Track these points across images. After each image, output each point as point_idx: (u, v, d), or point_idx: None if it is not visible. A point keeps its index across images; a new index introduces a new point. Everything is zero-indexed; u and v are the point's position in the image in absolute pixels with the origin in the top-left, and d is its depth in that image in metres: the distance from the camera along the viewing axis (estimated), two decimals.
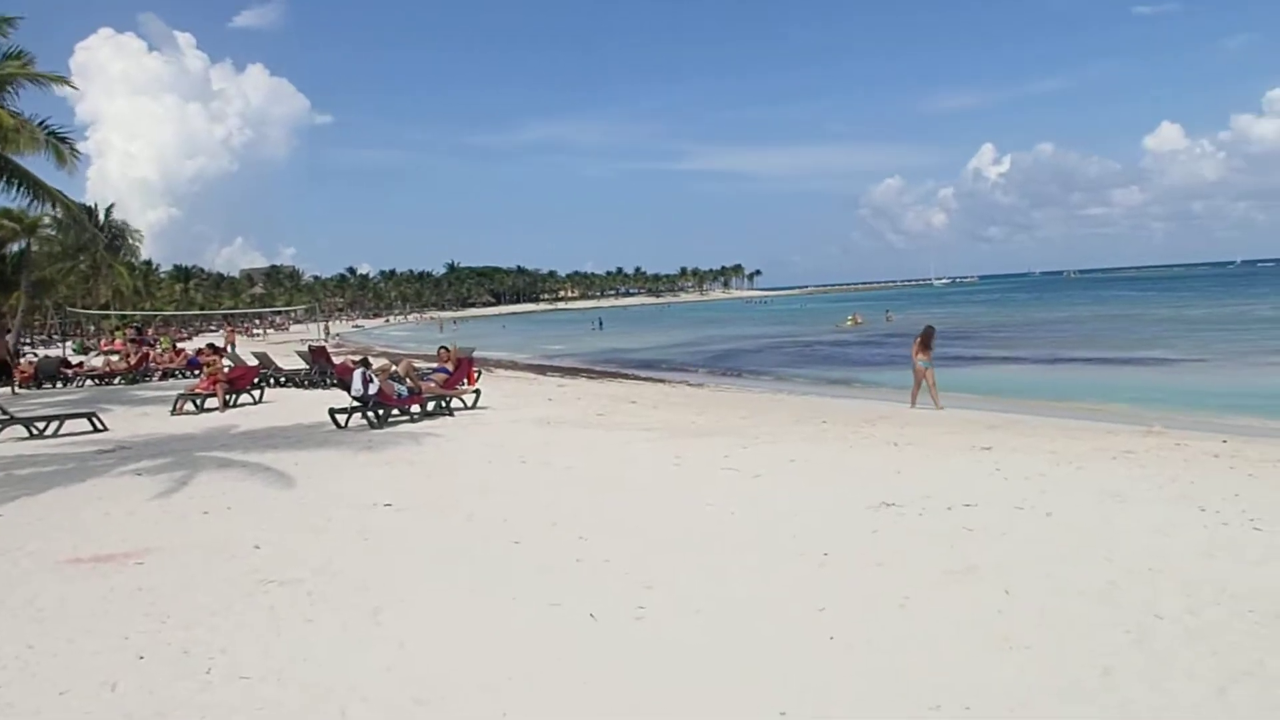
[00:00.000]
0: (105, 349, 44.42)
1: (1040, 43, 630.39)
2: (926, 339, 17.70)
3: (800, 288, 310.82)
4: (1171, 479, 8.62)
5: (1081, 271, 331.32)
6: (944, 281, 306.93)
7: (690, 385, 26.59)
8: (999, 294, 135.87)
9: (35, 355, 36.30)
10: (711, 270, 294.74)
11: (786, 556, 6.48)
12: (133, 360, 29.30)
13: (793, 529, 7.24)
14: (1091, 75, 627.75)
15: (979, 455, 10.49)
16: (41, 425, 15.14)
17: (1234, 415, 15.69)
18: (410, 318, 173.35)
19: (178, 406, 18.14)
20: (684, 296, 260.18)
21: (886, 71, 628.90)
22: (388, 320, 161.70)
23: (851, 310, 72.18)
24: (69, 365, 30.34)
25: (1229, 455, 10.26)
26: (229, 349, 31.28)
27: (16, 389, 25.06)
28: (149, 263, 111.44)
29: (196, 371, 24.07)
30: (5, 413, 15.44)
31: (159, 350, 33.07)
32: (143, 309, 77.34)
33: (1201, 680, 4.21)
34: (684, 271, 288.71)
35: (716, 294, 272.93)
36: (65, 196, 27.42)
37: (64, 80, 25.13)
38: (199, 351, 24.49)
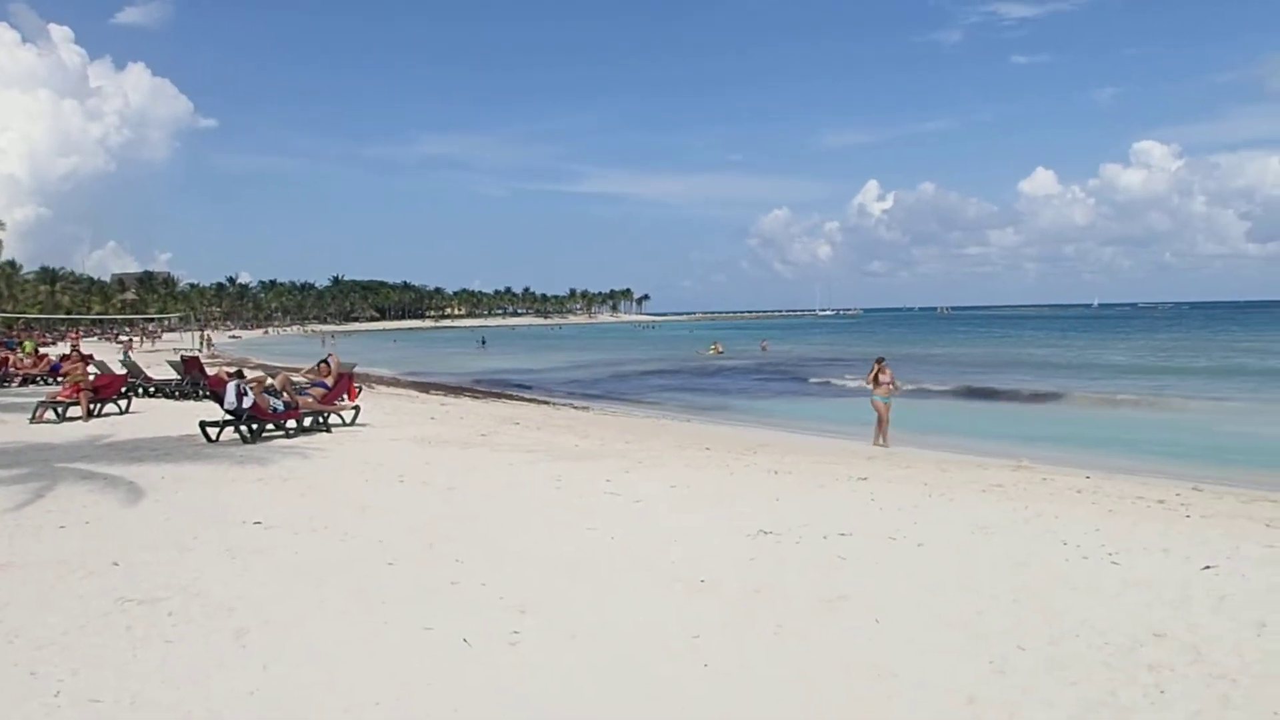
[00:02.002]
0: None
1: (925, 85, 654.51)
2: (878, 371, 17.32)
3: (688, 314, 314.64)
4: (1037, 513, 8.97)
5: (954, 308, 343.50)
6: (828, 313, 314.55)
7: (575, 408, 26.57)
8: (875, 327, 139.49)
9: None
10: (601, 293, 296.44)
11: (664, 582, 6.50)
12: None
13: (672, 555, 7.27)
14: (972, 119, 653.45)
15: (856, 485, 10.74)
16: None
17: (1096, 453, 16.42)
18: (292, 329, 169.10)
19: (37, 414, 17.25)
20: (572, 319, 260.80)
21: (779, 105, 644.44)
22: (266, 332, 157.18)
23: (715, 339, 74.12)
24: None
25: (1091, 491, 10.74)
26: (124, 355, 30.04)
27: None
28: (12, 263, 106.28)
29: (59, 378, 22.93)
30: None
31: (20, 355, 31.40)
32: (3, 310, 73.46)
33: (1059, 710, 4.37)
34: (573, 293, 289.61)
35: (605, 317, 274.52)
36: None
37: None
38: (63, 357, 23.36)
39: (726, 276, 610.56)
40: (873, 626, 5.50)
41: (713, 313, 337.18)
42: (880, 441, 16.98)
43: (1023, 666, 4.88)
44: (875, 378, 17.30)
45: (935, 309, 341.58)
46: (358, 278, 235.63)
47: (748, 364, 50.41)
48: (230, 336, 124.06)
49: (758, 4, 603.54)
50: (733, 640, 5.29)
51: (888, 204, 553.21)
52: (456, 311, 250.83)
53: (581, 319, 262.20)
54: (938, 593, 6.19)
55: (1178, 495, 10.61)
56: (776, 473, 11.84)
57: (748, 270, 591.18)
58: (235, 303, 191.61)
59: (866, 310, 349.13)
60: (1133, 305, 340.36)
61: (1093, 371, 40.34)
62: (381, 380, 34.92)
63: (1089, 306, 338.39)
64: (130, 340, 64.06)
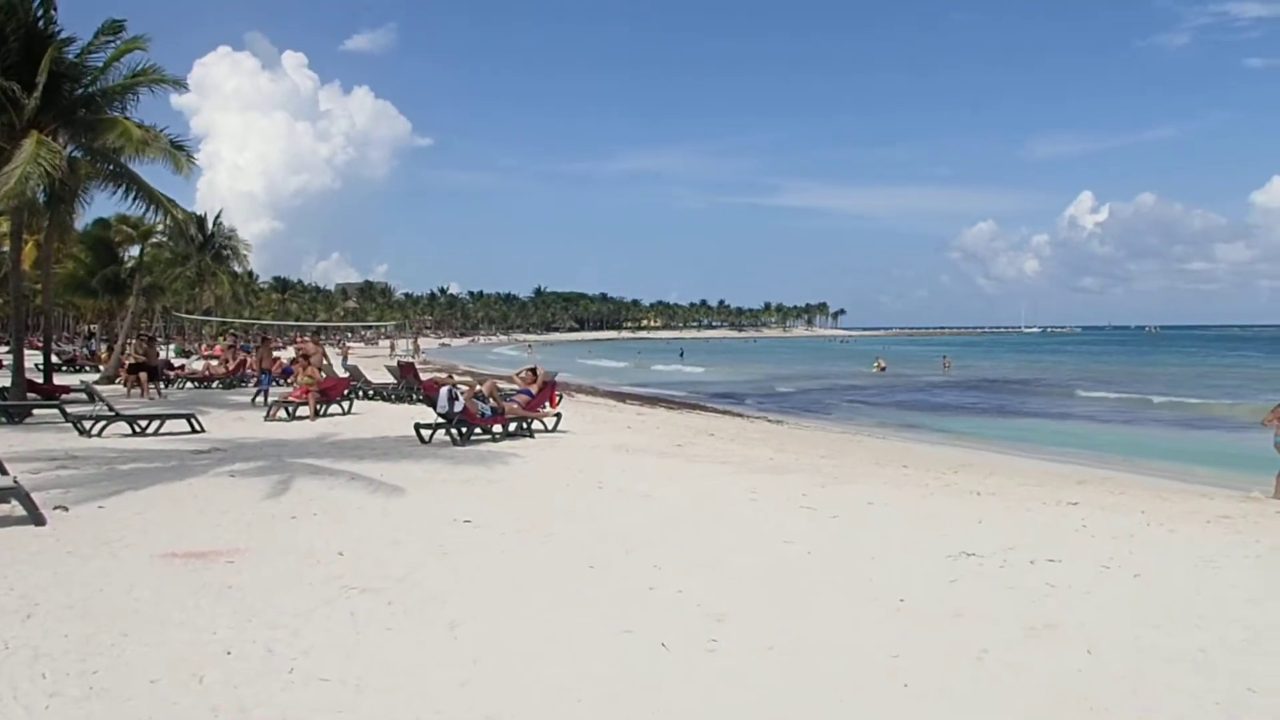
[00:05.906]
0: (205, 354, 45.92)
1: (1146, 91, 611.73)
2: None
3: (885, 329, 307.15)
4: (1272, 548, 8.29)
5: (1165, 327, 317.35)
6: (1034, 330, 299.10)
7: (769, 421, 26.45)
8: (1085, 346, 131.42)
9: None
10: (796, 307, 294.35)
11: (862, 600, 6.41)
12: (230, 366, 30.27)
13: (869, 572, 7.17)
14: (1199, 126, 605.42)
15: (1065, 510, 10.24)
16: (144, 423, 15.80)
17: None
18: (496, 338, 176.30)
19: (271, 413, 18.70)
20: (766, 332, 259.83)
21: (984, 117, 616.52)
22: (474, 340, 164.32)
23: (878, 355, 72.47)
24: (171, 367, 31.50)
25: None
26: (342, 360, 32.32)
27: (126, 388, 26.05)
28: (250, 272, 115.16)
29: (290, 380, 24.74)
30: (111, 409, 16.11)
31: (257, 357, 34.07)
32: (241, 316, 79.91)
33: None
34: (768, 307, 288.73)
35: (799, 331, 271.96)
36: (177, 206, 28.39)
37: (178, 82, 24.63)
38: (293, 361, 25.20)
39: (927, 291, 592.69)
40: (1085, 658, 5.24)
41: (911, 328, 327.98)
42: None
43: (1255, 708, 4.55)
44: None
45: (1143, 328, 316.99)
46: (558, 289, 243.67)
47: (928, 383, 48.51)
48: (440, 344, 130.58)
49: (963, 18, 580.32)
50: (934, 662, 5.17)
51: (1102, 216, 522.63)
52: (653, 323, 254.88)
53: (776, 332, 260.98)
54: (1157, 627, 5.83)
55: None
56: (979, 494, 11.44)
57: (949, 285, 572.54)
58: (445, 312, 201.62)
59: (1085, 328, 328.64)
60: None
61: None
62: (580, 389, 35.83)
63: None
64: (416, 341, 76.62)
